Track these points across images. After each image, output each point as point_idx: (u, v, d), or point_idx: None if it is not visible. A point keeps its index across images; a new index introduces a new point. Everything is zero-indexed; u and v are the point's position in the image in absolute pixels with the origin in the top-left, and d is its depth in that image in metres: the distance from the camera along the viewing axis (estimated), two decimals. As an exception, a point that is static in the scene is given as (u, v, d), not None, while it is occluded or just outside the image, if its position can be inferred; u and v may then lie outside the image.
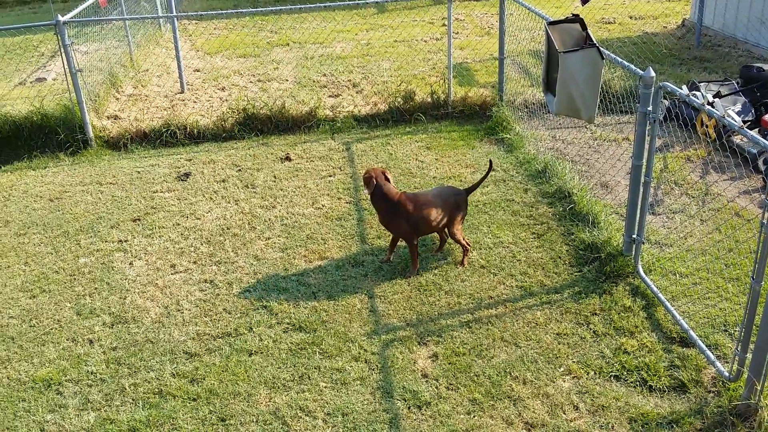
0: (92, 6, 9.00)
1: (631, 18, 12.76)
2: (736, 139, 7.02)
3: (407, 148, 7.71)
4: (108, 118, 8.77)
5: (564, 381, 4.28)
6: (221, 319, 5.02)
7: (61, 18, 7.76)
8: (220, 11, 10.85)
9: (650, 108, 4.79)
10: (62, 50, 7.86)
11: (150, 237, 6.16)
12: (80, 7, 8.53)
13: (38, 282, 5.59)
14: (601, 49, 5.24)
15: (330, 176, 7.14)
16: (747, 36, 10.41)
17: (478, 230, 5.91)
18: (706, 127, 7.35)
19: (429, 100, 8.64)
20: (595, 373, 4.32)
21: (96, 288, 5.46)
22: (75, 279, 5.59)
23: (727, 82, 7.89)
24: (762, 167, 6.52)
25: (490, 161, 5.82)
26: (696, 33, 10.80)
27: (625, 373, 4.30)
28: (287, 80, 10.19)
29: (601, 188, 6.58)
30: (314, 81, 10.07)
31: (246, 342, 4.75)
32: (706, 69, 9.64)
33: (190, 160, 7.72)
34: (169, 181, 7.23)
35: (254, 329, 4.88)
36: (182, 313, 5.12)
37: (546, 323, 4.78)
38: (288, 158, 7.59)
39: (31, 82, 10.76)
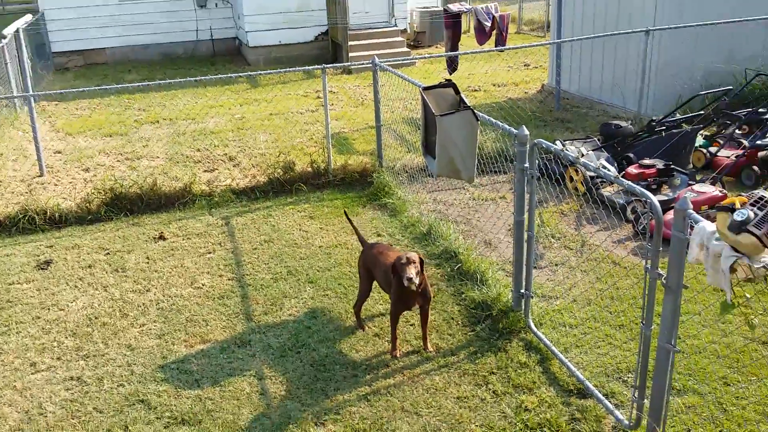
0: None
1: (494, 85, 13.43)
2: (605, 191, 7.37)
3: (290, 218, 7.50)
4: (-45, 206, 7.96)
5: (470, 448, 4.11)
6: (91, 420, 4.46)
7: None
8: (83, 89, 10.34)
9: (527, 165, 4.90)
10: None
11: (5, 334, 5.49)
12: None
13: None
14: (475, 111, 5.36)
15: (209, 253, 6.76)
16: (602, 97, 11.21)
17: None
18: (575, 181, 7.69)
19: (309, 169, 8.52)
20: (499, 435, 4.18)
21: (-61, 399, 4.74)
22: None
23: (589, 140, 8.35)
24: (630, 216, 6.85)
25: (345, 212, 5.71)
26: (556, 96, 11.50)
27: (528, 431, 4.20)
28: (158, 157, 9.76)
29: (485, 246, 6.64)
30: (187, 157, 9.71)
31: (121, 443, 4.24)
32: (568, 128, 10.21)
33: (51, 246, 7.08)
34: (28, 270, 6.57)
35: (130, 428, 4.37)
36: (46, 417, 4.52)
37: (445, 388, 4.63)
38: (162, 237, 7.14)
39: None
